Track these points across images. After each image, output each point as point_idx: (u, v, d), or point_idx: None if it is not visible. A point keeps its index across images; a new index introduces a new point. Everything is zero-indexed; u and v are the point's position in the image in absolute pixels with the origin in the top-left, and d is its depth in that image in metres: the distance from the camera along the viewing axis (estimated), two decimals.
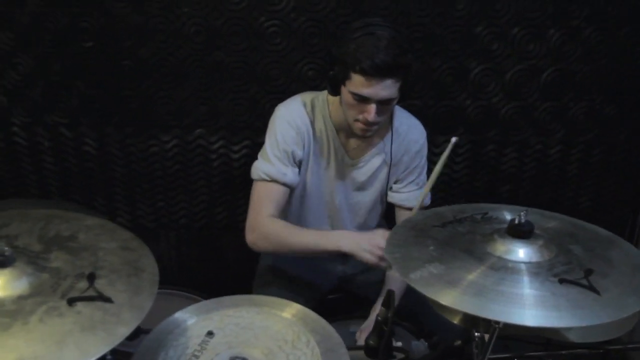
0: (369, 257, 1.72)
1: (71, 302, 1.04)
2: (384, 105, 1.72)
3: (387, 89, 1.67)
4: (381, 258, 1.70)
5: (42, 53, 2.18)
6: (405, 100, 1.80)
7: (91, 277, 1.11)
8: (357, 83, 1.67)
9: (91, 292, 1.07)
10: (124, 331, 1.01)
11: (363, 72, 1.63)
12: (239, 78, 2.26)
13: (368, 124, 1.74)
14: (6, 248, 1.09)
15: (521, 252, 1.22)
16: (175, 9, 2.14)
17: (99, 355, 0.96)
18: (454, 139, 1.60)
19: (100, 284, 1.10)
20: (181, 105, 2.30)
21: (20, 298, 1.05)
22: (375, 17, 1.74)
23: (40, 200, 2.38)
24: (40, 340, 0.97)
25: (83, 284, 1.10)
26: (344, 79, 1.70)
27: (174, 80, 2.25)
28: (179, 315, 1.34)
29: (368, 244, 1.72)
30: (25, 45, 2.17)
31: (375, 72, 1.62)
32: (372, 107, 1.69)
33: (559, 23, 2.25)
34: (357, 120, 1.76)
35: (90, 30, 2.16)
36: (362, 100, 1.69)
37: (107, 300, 1.06)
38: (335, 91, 1.78)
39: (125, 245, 1.25)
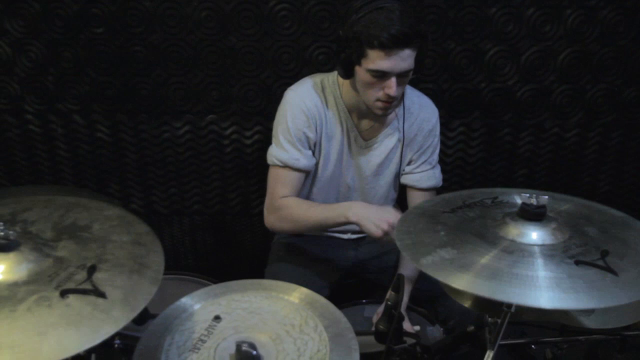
0: (374, 230, 1.71)
1: (64, 293, 1.03)
2: (402, 78, 1.71)
3: (405, 59, 1.65)
4: (386, 233, 1.69)
5: (53, 40, 2.18)
6: (420, 71, 1.78)
7: (91, 270, 1.09)
8: (374, 59, 1.65)
9: (87, 285, 1.05)
10: (109, 330, 0.98)
11: (381, 46, 1.61)
12: (250, 63, 2.24)
13: (389, 99, 1.72)
14: (11, 232, 1.08)
15: (534, 235, 1.20)
16: None
17: (77, 352, 0.94)
18: None
19: (99, 278, 1.08)
20: (193, 91, 2.29)
21: (16, 285, 1.04)
22: None
23: (55, 186, 2.39)
24: (23, 330, 0.96)
25: (81, 275, 1.08)
26: (359, 57, 1.68)
27: (186, 66, 2.24)
28: (185, 300, 1.33)
29: (376, 217, 1.71)
30: (36, 32, 2.17)
31: (393, 44, 1.61)
32: (393, 81, 1.68)
33: (575, 3, 2.19)
34: (377, 99, 1.74)
35: (100, 17, 2.15)
36: (382, 76, 1.67)
37: (101, 295, 1.04)
38: (348, 74, 1.75)
39: (137, 239, 1.23)
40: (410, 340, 1.55)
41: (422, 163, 1.99)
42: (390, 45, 1.61)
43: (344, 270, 2.13)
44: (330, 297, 1.91)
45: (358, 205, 1.81)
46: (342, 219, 1.77)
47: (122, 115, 2.32)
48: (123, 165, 2.41)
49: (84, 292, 1.05)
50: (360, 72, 1.71)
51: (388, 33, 1.59)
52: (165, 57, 2.23)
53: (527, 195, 1.23)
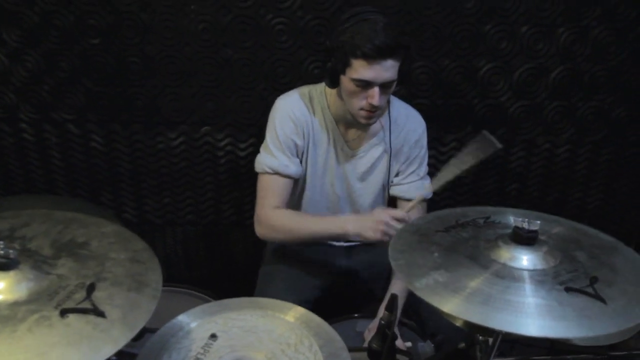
0: (372, 234, 1.74)
1: (64, 313, 1.03)
2: (385, 88, 1.74)
3: (388, 70, 1.69)
4: (385, 233, 1.72)
5: (50, 50, 2.19)
6: (404, 83, 1.80)
7: (90, 289, 1.10)
8: (358, 68, 1.68)
9: (86, 304, 1.06)
10: (110, 350, 0.99)
11: (364, 56, 1.65)
12: (246, 75, 2.26)
13: (373, 108, 1.76)
14: (11, 251, 1.08)
15: (525, 259, 1.21)
16: (183, 6, 2.14)
17: None
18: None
19: (98, 297, 1.08)
20: (188, 103, 2.30)
21: (16, 304, 1.04)
22: (362, 6, 1.75)
23: (48, 196, 2.40)
24: (24, 351, 0.96)
25: (81, 294, 1.08)
26: (344, 67, 1.72)
27: (181, 77, 2.26)
28: (182, 317, 1.34)
29: (370, 223, 1.75)
30: (33, 42, 2.18)
31: (376, 54, 1.64)
32: (376, 91, 1.71)
33: (568, 22, 2.24)
34: (361, 108, 1.77)
35: (97, 28, 2.16)
36: (365, 85, 1.71)
37: (100, 314, 1.04)
38: (334, 83, 1.79)
39: (135, 256, 1.23)
40: (402, 358, 1.57)
41: (410, 174, 2.01)
42: (373, 56, 1.65)
43: (336, 278, 2.15)
44: (322, 308, 1.93)
45: (352, 218, 1.85)
46: (341, 232, 1.80)
47: (116, 125, 2.33)
48: (117, 174, 2.42)
49: (83, 311, 1.05)
50: (345, 81, 1.75)
51: (371, 43, 1.63)
52: (160, 68, 2.24)
53: (520, 219, 1.25)
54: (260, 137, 2.33)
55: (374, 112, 1.78)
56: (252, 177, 2.34)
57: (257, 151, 2.31)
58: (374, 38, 1.63)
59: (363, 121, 1.82)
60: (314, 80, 2.22)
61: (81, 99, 2.27)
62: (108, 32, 2.17)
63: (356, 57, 1.67)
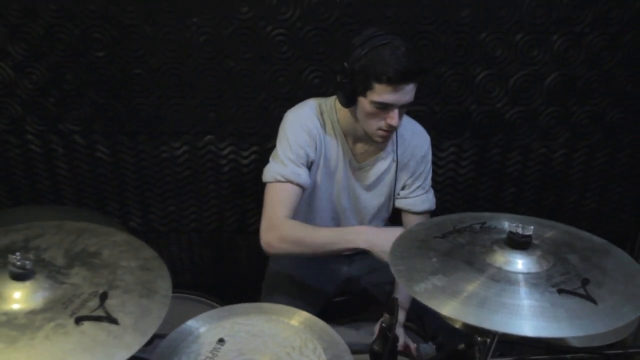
0: (383, 255, 1.70)
1: (78, 320, 1.07)
2: (403, 109, 1.79)
3: (408, 93, 1.74)
4: None
5: (55, 63, 2.24)
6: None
7: (103, 297, 1.14)
8: (380, 92, 1.72)
9: (100, 312, 1.10)
10: (123, 355, 1.03)
11: (389, 81, 1.68)
12: (247, 86, 2.31)
13: (390, 129, 1.80)
14: (27, 262, 1.13)
15: (520, 263, 1.26)
16: (185, 19, 2.19)
17: None
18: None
19: (111, 304, 1.13)
20: (191, 113, 2.35)
21: (33, 312, 1.08)
22: (374, 28, 1.78)
23: (55, 206, 2.44)
24: (42, 357, 1.00)
25: (94, 302, 1.13)
26: (364, 90, 1.74)
27: (184, 88, 2.31)
28: (191, 323, 1.39)
29: (386, 243, 1.66)
30: (38, 55, 2.22)
31: (400, 79, 1.69)
32: (395, 113, 1.75)
33: (562, 29, 2.28)
34: (379, 128, 1.81)
35: (102, 41, 2.21)
36: (385, 107, 1.75)
37: (113, 321, 1.09)
38: (350, 103, 1.82)
39: (145, 264, 1.28)
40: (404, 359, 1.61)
41: (416, 188, 2.05)
42: (397, 81, 1.68)
43: (338, 286, 2.19)
44: (325, 313, 1.97)
45: (367, 231, 1.80)
46: (352, 245, 1.76)
47: (122, 136, 2.38)
48: (122, 184, 2.47)
49: (97, 319, 1.09)
50: (364, 103, 1.77)
51: (395, 69, 1.67)
52: (164, 80, 2.29)
53: (515, 224, 1.30)
54: (262, 145, 2.39)
55: (391, 132, 1.83)
56: (254, 185, 2.40)
57: (260, 159, 2.38)
58: (398, 63, 1.67)
59: (379, 140, 1.86)
60: (313, 89, 2.29)
61: (87, 110, 2.32)
62: (112, 45, 2.22)
63: (380, 81, 1.70)
